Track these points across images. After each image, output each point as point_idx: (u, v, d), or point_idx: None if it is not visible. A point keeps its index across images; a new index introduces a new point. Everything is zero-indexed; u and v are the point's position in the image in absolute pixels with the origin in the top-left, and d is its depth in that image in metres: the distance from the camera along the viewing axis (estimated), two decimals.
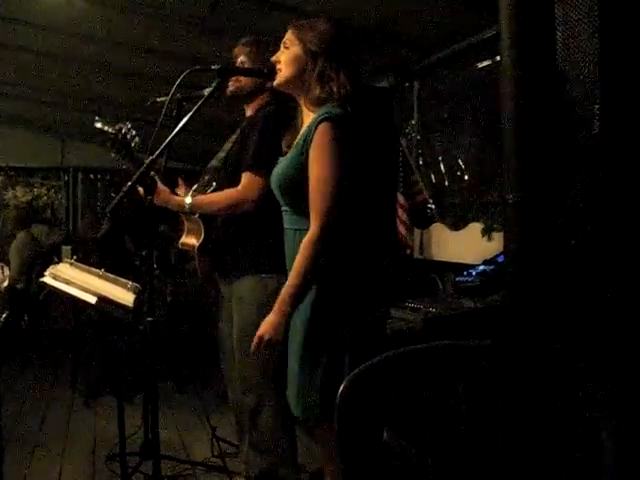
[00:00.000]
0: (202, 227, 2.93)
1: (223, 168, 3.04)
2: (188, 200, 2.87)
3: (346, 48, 2.29)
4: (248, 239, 2.89)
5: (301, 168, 2.23)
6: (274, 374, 2.83)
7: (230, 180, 2.92)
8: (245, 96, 3.06)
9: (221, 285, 3.14)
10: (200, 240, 2.93)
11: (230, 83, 3.01)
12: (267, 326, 2.22)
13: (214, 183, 3.04)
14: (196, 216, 2.95)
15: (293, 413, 2.33)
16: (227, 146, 3.12)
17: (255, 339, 2.24)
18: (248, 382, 2.98)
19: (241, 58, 3.01)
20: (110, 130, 2.84)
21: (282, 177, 2.31)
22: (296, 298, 2.21)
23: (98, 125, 2.89)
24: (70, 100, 7.06)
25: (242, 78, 3.00)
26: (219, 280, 3.14)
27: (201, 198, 2.94)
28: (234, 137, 3.10)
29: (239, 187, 2.85)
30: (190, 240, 2.98)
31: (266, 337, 2.21)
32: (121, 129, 2.83)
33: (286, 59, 2.33)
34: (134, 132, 2.82)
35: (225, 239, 2.95)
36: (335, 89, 2.22)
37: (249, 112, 3.12)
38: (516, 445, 1.67)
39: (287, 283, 2.22)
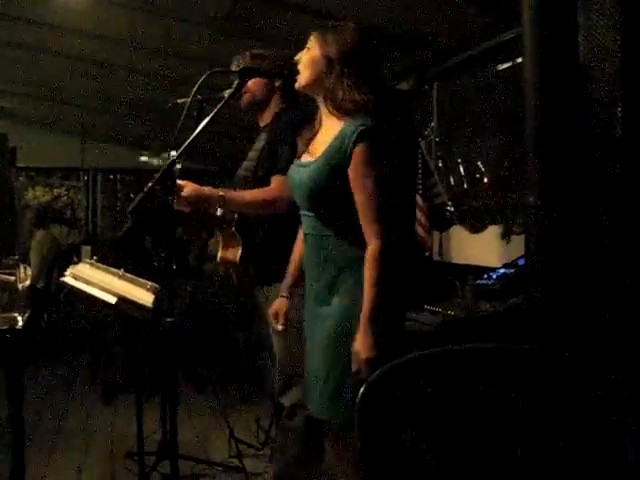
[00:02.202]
0: (240, 239, 2.93)
1: (253, 177, 3.03)
2: (221, 192, 2.84)
3: (367, 55, 2.28)
4: (284, 248, 2.88)
5: (332, 176, 2.23)
6: None
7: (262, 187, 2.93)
8: (259, 104, 3.08)
9: (257, 293, 3.12)
10: (240, 252, 2.93)
11: (244, 97, 3.02)
12: (363, 348, 2.18)
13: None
14: (232, 229, 2.95)
15: (316, 415, 2.33)
16: (253, 155, 3.11)
17: (353, 363, 2.21)
18: (285, 384, 2.99)
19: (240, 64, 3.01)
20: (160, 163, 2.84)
21: (312, 184, 2.29)
22: (378, 312, 2.19)
23: (143, 159, 2.90)
24: (90, 101, 7.12)
25: (252, 87, 3.00)
26: (258, 286, 3.12)
27: (234, 193, 2.92)
28: (259, 145, 3.09)
29: (269, 188, 2.86)
30: (229, 254, 2.98)
31: (363, 357, 2.17)
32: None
33: (305, 61, 2.34)
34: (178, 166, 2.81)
35: (264, 248, 2.95)
36: (359, 98, 2.22)
37: (264, 121, 3.12)
38: (537, 449, 1.66)
39: (366, 305, 2.19)
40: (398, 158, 2.36)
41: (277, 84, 3.04)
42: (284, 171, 2.79)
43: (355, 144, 2.18)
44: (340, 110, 2.26)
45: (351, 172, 2.21)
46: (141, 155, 2.78)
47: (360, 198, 2.20)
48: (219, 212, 2.92)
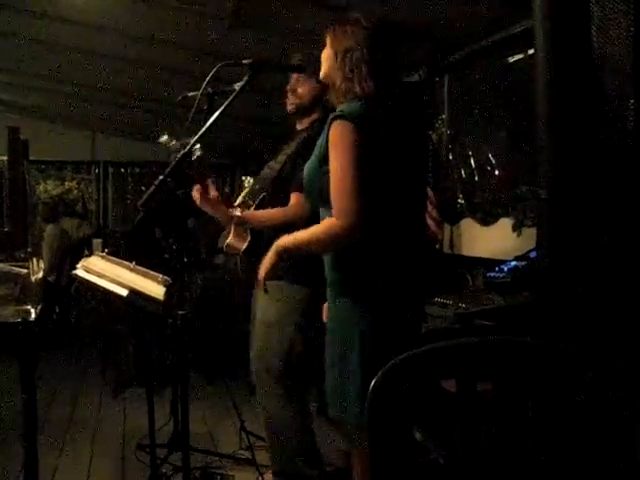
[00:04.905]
0: (249, 234, 2.96)
1: (275, 182, 3.04)
2: (237, 213, 2.90)
3: (374, 48, 2.26)
4: None
5: (321, 169, 2.24)
6: (289, 373, 2.91)
7: (280, 195, 2.96)
8: (305, 110, 3.07)
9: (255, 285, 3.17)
10: (245, 245, 2.96)
11: (289, 100, 3.03)
12: (262, 266, 2.34)
13: (264, 194, 3.04)
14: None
15: (329, 414, 2.34)
16: (281, 158, 3.10)
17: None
18: (264, 381, 3.05)
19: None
20: (176, 145, 2.88)
21: (307, 179, 2.34)
22: (288, 254, 2.30)
23: (163, 140, 2.93)
24: (101, 94, 7.13)
25: (301, 92, 3.01)
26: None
27: (250, 214, 2.96)
28: (289, 151, 3.08)
29: (288, 207, 2.89)
30: (237, 243, 3.01)
31: (259, 274, 2.34)
32: (185, 145, 2.86)
33: (322, 58, 2.37)
34: (197, 145, 2.85)
35: (270, 245, 2.98)
36: (356, 88, 2.22)
37: (302, 125, 3.12)
38: (547, 445, 1.66)
39: (288, 240, 2.28)
40: (405, 150, 2.33)
41: (326, 97, 3.04)
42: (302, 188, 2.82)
43: (329, 127, 2.19)
44: (339, 98, 2.27)
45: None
46: (160, 136, 2.82)
47: (331, 178, 2.18)
48: (237, 202, 2.97)
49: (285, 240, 2.28)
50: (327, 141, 2.20)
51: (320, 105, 3.02)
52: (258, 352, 3.08)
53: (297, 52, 3.04)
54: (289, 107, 3.08)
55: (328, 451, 3.34)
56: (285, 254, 2.28)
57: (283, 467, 3.09)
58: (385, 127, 2.22)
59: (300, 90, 3.02)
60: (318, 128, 2.94)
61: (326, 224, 2.20)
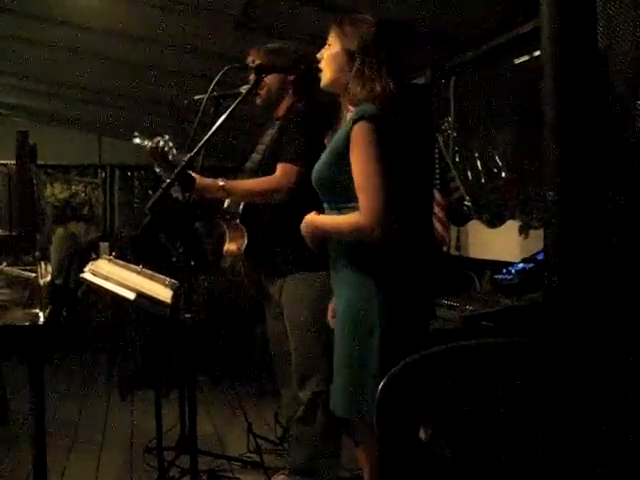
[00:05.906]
0: (245, 231, 2.95)
1: (260, 168, 3.04)
2: (221, 182, 2.87)
3: (388, 46, 2.28)
4: (295, 239, 2.89)
5: (336, 166, 2.25)
6: (329, 369, 2.88)
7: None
8: (275, 98, 3.08)
9: (268, 285, 3.15)
10: (244, 244, 2.95)
11: (260, 92, 3.03)
12: (309, 226, 2.38)
13: None
14: (237, 221, 2.97)
15: (336, 413, 2.34)
16: (261, 148, 3.12)
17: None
18: (303, 377, 3.01)
19: (255, 60, 3.01)
20: (149, 144, 2.89)
21: (318, 175, 2.34)
22: (323, 233, 2.36)
23: (137, 141, 2.95)
24: (107, 98, 7.15)
25: (268, 82, 3.00)
26: (265, 281, 3.16)
27: (235, 182, 2.96)
28: (267, 139, 3.11)
29: (273, 176, 2.88)
30: (234, 246, 3.00)
31: (304, 228, 2.39)
32: (159, 142, 2.87)
33: (326, 58, 2.35)
34: (171, 144, 2.85)
35: (271, 240, 2.97)
36: (377, 88, 2.22)
37: (278, 114, 3.13)
38: (555, 444, 1.65)
39: (328, 225, 2.33)
40: (414, 152, 2.34)
41: (290, 78, 3.05)
42: (291, 160, 2.82)
43: (352, 127, 2.20)
44: (355, 102, 2.27)
45: (350, 155, 2.21)
46: (134, 137, 2.88)
47: (355, 179, 2.20)
48: (226, 203, 2.96)
49: (315, 218, 2.36)
50: (345, 140, 2.21)
51: (290, 91, 3.04)
52: (299, 358, 3.00)
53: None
54: (258, 102, 3.07)
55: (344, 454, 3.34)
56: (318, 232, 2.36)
57: (303, 466, 3.07)
58: (400, 128, 2.24)
59: (266, 81, 2.98)
60: (297, 110, 2.99)
61: (352, 220, 2.22)
